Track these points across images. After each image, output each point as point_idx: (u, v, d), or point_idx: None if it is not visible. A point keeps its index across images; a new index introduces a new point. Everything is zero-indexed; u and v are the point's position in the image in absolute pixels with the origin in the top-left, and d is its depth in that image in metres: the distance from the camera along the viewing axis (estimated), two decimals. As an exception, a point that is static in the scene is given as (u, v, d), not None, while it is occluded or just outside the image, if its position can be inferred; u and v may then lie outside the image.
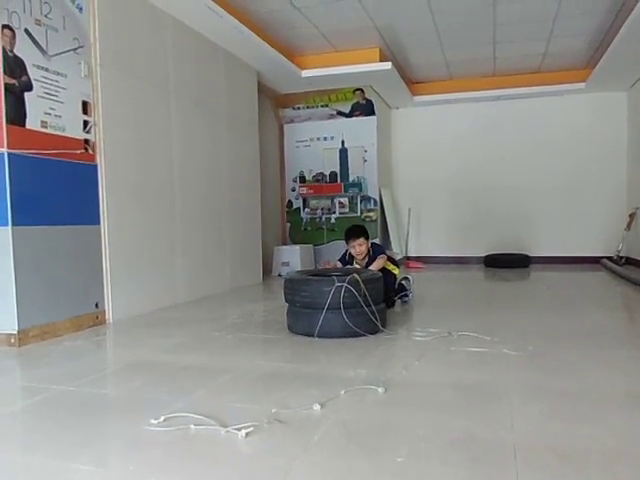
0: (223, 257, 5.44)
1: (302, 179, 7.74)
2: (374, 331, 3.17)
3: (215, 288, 5.24)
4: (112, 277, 3.80)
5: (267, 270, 6.71)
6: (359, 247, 4.12)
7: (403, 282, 4.42)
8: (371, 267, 3.95)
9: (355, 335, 3.07)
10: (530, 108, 7.98)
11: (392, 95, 7.79)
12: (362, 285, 3.11)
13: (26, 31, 3.14)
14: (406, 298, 4.36)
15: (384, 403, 2.02)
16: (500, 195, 8.20)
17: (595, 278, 6.30)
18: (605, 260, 7.35)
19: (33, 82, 3.18)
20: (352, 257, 4.21)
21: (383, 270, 3.95)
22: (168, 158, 4.53)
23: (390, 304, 4.03)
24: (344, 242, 4.30)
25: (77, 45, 3.54)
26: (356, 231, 4.21)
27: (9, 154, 3.02)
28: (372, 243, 4.29)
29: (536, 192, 8.08)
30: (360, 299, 3.08)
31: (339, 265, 4.18)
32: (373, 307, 3.14)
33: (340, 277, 3.15)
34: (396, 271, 4.27)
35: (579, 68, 7.36)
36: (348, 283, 3.07)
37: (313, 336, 3.11)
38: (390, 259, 4.28)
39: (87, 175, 3.64)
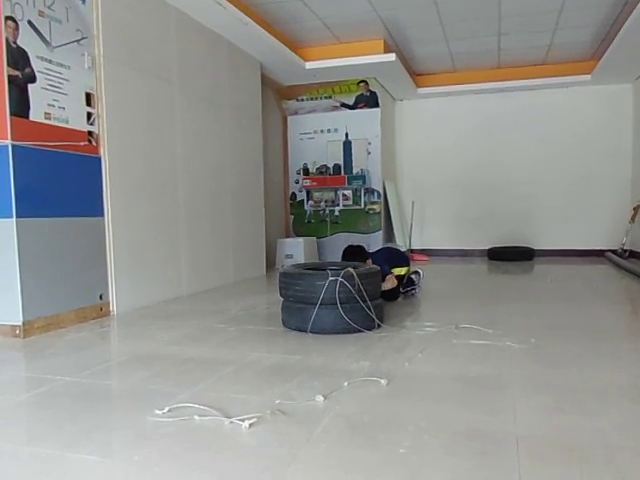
0: (227, 250, 5.44)
1: (306, 171, 7.73)
2: (370, 327, 3.05)
3: (219, 280, 5.25)
4: (116, 269, 3.80)
5: (271, 263, 6.72)
6: None
7: (412, 276, 4.35)
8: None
9: (349, 331, 2.99)
10: (535, 100, 7.93)
11: (396, 87, 7.75)
12: (357, 279, 2.99)
13: (29, 22, 3.14)
14: (413, 292, 4.31)
15: (387, 395, 2.03)
16: (504, 187, 8.17)
17: (599, 271, 6.28)
18: (609, 253, 7.32)
19: (36, 74, 3.17)
20: None
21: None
22: (172, 150, 4.53)
23: (393, 298, 4.02)
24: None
25: (80, 37, 3.53)
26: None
27: (13, 146, 3.02)
28: (372, 255, 4.08)
29: (540, 184, 8.05)
30: (355, 294, 2.97)
31: None
32: (369, 302, 3.03)
33: (335, 271, 3.04)
34: (403, 271, 4.22)
35: (584, 60, 7.29)
36: (342, 277, 2.95)
37: (306, 332, 3.04)
38: (399, 259, 4.21)
39: (91, 167, 3.64)
